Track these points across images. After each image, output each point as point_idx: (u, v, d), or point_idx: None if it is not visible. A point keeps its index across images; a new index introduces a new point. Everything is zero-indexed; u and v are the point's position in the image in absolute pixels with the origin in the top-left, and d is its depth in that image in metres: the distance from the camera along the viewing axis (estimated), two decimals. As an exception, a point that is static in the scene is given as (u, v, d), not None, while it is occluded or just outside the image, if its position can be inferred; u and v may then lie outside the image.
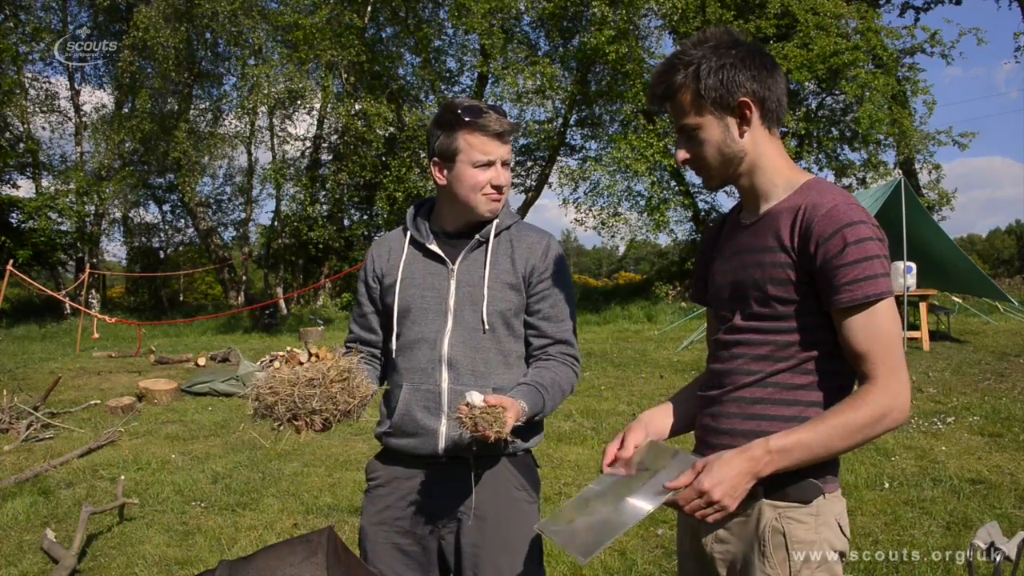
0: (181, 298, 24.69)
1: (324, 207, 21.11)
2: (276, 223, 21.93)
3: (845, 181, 17.72)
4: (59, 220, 20.51)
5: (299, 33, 17.14)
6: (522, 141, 20.43)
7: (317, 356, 1.63)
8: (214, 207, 25.04)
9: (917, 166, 18.25)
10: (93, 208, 21.67)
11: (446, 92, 19.71)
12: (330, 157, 22.20)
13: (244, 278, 22.90)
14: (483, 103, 1.83)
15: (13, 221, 20.60)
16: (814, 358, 1.41)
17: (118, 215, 24.72)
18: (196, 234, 24.84)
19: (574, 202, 18.36)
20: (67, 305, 18.89)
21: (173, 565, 3.73)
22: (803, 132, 16.54)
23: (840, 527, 1.43)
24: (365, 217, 22.67)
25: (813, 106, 17.89)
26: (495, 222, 1.88)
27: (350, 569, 1.53)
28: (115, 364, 11.74)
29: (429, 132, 1.89)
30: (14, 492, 4.94)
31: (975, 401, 6.76)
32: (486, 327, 1.82)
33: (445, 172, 1.84)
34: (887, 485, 4.50)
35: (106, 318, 15.87)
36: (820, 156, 17.62)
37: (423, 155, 17.28)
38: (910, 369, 8.24)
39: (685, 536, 1.60)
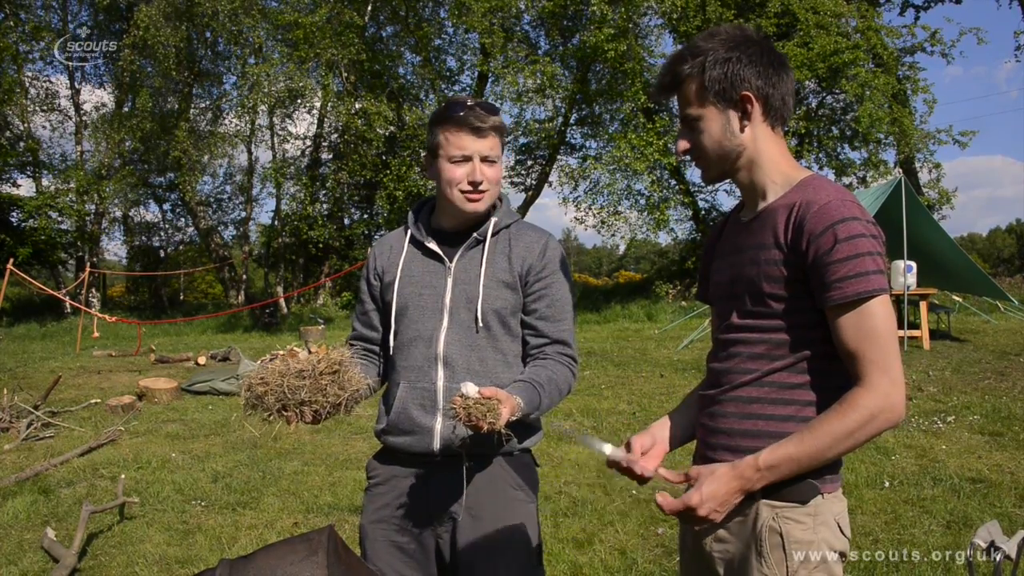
0: (181, 297, 24.68)
1: (324, 206, 21.12)
2: (276, 222, 21.93)
3: (845, 180, 17.71)
4: (59, 219, 20.52)
5: (299, 32, 17.14)
6: (522, 140, 20.44)
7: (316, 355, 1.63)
8: (214, 206, 25.08)
9: (917, 165, 18.25)
10: (93, 207, 21.68)
11: (446, 91, 19.72)
12: (330, 156, 22.19)
13: (244, 277, 22.91)
14: (472, 99, 1.82)
15: (13, 220, 20.60)
16: (809, 357, 1.40)
17: (118, 214, 24.76)
18: (196, 233, 24.86)
19: (574, 201, 18.37)
20: (67, 304, 18.90)
21: (173, 564, 3.73)
22: (803, 131, 16.54)
23: (840, 527, 1.42)
24: (365, 216, 22.68)
25: (813, 105, 17.89)
26: (493, 220, 1.88)
27: (350, 568, 1.53)
28: (115, 363, 11.74)
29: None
30: (14, 491, 4.94)
31: (975, 400, 6.76)
32: (480, 325, 1.81)
33: (430, 168, 1.86)
34: (887, 484, 4.50)
35: (106, 317, 15.87)
36: (820, 155, 17.63)
37: (423, 154, 17.16)
38: (910, 368, 8.18)
39: (687, 534, 1.60)
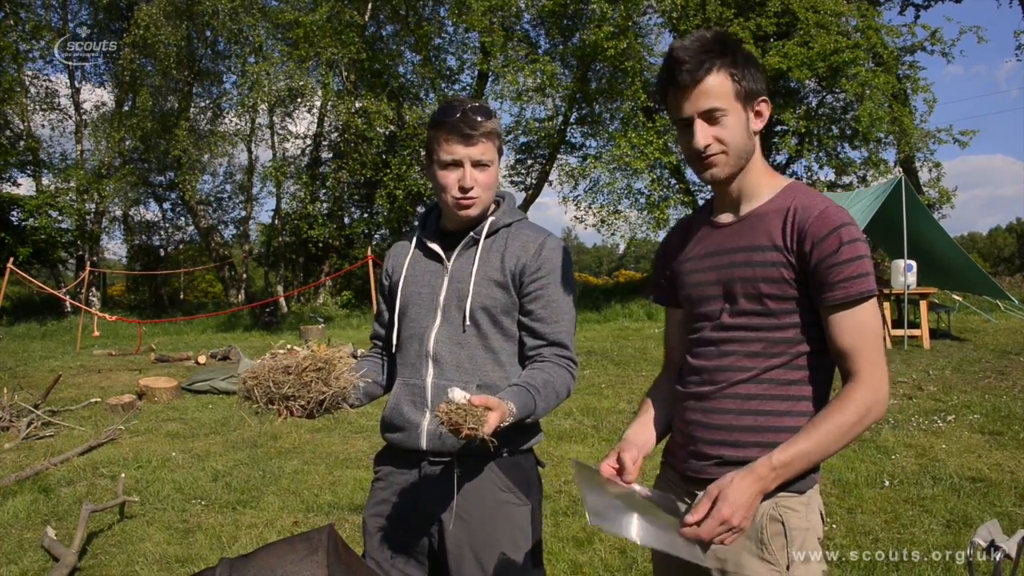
0: (181, 296, 24.74)
1: (324, 205, 21.12)
2: (276, 221, 21.94)
3: (845, 179, 17.72)
4: (59, 218, 20.53)
5: (299, 31, 17.15)
6: (522, 139, 20.43)
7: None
8: (214, 205, 25.10)
9: (917, 164, 18.24)
10: (93, 206, 21.70)
11: (446, 90, 19.72)
12: (330, 155, 22.20)
13: (244, 276, 22.92)
14: (467, 101, 1.80)
15: (14, 219, 20.61)
16: (805, 353, 1.46)
17: (118, 213, 24.79)
18: (196, 232, 24.88)
19: (574, 200, 18.37)
20: (67, 303, 18.92)
21: (173, 563, 3.73)
22: (803, 130, 16.51)
23: (820, 513, 1.51)
24: (365, 215, 22.68)
25: (813, 104, 17.87)
26: (490, 219, 1.87)
27: (350, 567, 1.53)
28: (115, 362, 11.75)
29: None
30: (15, 490, 4.94)
31: (975, 399, 6.76)
32: (467, 323, 1.81)
33: (428, 170, 1.86)
34: (887, 483, 4.50)
35: (106, 316, 15.88)
36: (820, 154, 17.60)
37: (423, 153, 17.18)
38: (910, 367, 8.19)
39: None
